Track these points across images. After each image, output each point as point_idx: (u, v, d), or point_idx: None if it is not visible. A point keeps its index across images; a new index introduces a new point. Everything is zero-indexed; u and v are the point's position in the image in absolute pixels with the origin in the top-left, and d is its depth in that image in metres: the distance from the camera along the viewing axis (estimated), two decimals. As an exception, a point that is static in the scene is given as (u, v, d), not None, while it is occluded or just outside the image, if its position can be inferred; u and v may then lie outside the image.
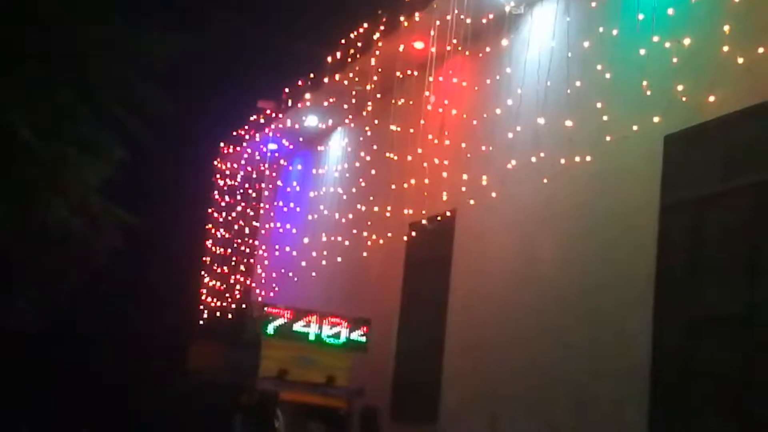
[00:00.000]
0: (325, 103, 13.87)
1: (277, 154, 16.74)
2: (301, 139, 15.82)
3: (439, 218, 10.86)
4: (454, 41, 10.18)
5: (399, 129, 11.48)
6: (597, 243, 8.43)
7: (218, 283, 17.47)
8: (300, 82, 14.07)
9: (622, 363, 7.81)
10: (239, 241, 17.68)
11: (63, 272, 11.72)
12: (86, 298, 15.30)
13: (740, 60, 7.20)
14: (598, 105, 8.53)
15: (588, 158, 8.61)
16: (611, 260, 8.21)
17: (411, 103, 11.31)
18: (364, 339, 9.95)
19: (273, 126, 15.59)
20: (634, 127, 8.08)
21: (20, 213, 10.04)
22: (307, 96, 13.86)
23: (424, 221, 10.94)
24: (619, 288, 8.05)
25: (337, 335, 9.87)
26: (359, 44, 12.12)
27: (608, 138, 8.38)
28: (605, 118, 8.42)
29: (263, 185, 17.66)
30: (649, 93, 7.94)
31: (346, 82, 12.74)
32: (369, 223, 12.48)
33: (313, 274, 14.40)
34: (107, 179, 11.39)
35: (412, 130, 11.10)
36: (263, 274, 16.97)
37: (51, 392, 15.08)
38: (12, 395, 13.69)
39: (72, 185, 10.36)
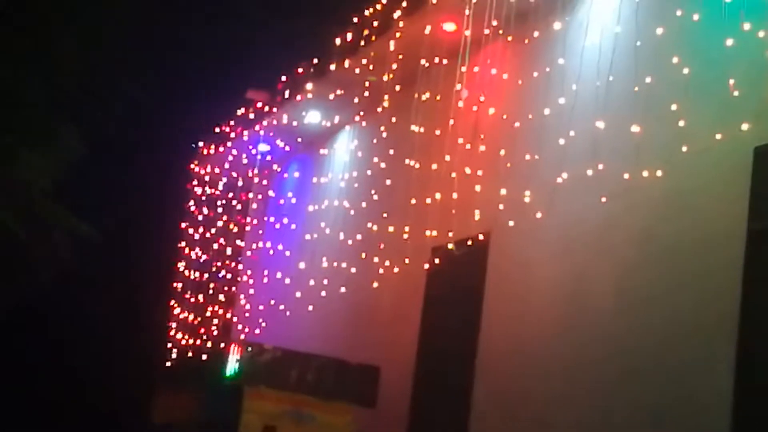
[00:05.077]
0: (331, 96, 13.92)
1: (269, 158, 16.81)
2: (299, 140, 15.88)
3: (469, 242, 10.86)
4: (494, 23, 10.21)
5: (422, 130, 11.50)
6: (667, 279, 8.42)
7: (191, 316, 17.51)
8: (300, 69, 14.14)
9: (694, 426, 7.78)
10: (219, 264, 17.74)
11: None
12: (25, 327, 15.37)
13: None
14: (672, 107, 8.53)
15: (659, 173, 8.60)
16: (684, 300, 8.19)
17: (438, 98, 11.32)
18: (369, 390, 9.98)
19: (265, 122, 15.65)
20: (718, 136, 8.07)
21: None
22: (309, 86, 13.92)
23: (450, 245, 10.94)
24: (693, 335, 8.02)
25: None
26: (375, 24, 12.18)
27: (684, 149, 8.37)
28: (681, 123, 8.42)
29: (251, 196, 17.73)
30: (736, 94, 7.94)
31: (357, 71, 12.78)
32: (382, 246, 12.50)
33: (310, 307, 14.42)
34: (58, 180, 11.47)
35: (438, 133, 11.11)
36: (247, 306, 16.99)
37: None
38: None
39: (17, 184, 10.45)
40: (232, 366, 9.83)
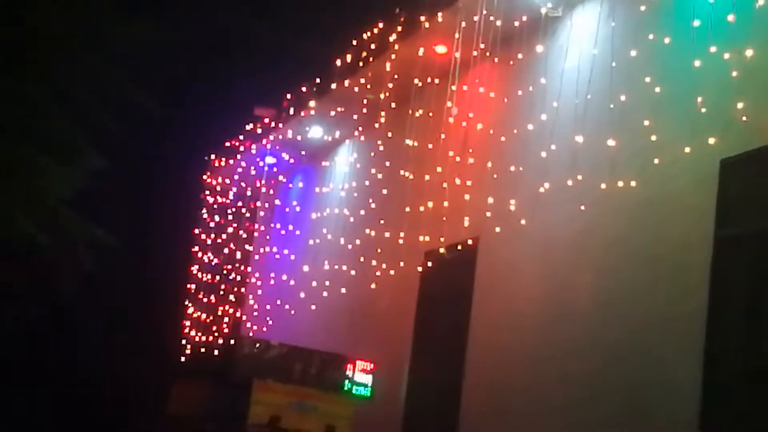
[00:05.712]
0: (332, 113, 13.95)
1: (275, 169, 16.82)
2: (303, 153, 15.90)
3: (459, 247, 10.90)
4: (482, 46, 10.26)
5: (416, 144, 11.54)
6: (641, 280, 8.46)
7: (204, 315, 17.51)
8: (304, 88, 14.16)
9: (667, 416, 7.83)
10: (229, 267, 17.74)
11: (24, 296, 11.74)
12: (50, 326, 15.36)
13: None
14: (645, 123, 8.59)
15: (632, 183, 8.66)
16: (657, 300, 8.24)
17: (430, 114, 11.38)
18: (369, 385, 10.00)
19: (271, 137, 15.67)
20: (686, 150, 8.13)
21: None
22: (312, 104, 13.95)
23: (441, 250, 10.98)
24: (666, 332, 8.06)
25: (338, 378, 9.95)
26: (373, 46, 12.21)
27: (656, 161, 8.44)
28: (653, 138, 8.48)
29: (258, 204, 17.74)
30: (704, 111, 8.00)
31: (356, 89, 12.82)
32: (379, 250, 12.53)
33: (313, 307, 14.44)
34: (79, 190, 11.46)
35: (430, 146, 11.16)
36: (255, 306, 17.00)
37: None
38: None
39: (40, 195, 10.39)
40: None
